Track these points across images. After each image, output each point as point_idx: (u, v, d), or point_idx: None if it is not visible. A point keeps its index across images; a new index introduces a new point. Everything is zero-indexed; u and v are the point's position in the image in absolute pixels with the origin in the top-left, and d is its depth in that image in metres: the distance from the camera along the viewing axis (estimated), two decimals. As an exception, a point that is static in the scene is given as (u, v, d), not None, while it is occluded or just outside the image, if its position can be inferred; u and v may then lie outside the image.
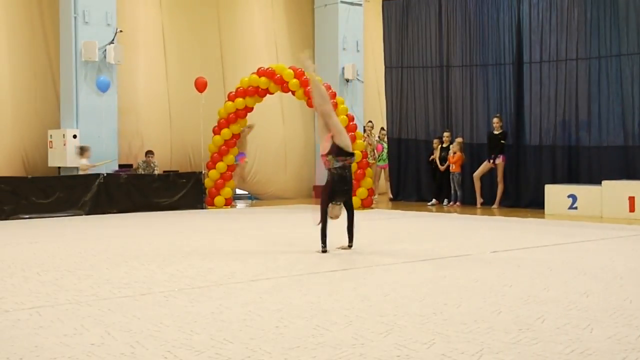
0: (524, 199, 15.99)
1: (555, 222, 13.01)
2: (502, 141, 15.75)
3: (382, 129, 18.85)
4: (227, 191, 16.86)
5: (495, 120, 15.84)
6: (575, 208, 14.16)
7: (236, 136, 16.78)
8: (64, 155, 15.43)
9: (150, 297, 5.96)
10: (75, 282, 6.64)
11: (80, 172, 15.20)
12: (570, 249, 9.21)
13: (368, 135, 17.74)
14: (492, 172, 16.04)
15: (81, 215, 14.35)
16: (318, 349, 4.31)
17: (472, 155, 16.68)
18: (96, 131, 15.72)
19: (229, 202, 16.95)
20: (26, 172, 15.97)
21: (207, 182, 16.64)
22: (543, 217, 13.93)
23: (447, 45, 17.59)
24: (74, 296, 5.97)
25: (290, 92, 16.14)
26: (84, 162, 15.31)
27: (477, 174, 16.12)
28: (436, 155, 17.04)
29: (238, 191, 19.09)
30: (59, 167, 15.91)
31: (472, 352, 4.22)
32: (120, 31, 16.05)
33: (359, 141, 15.64)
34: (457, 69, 17.41)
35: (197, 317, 5.17)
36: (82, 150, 15.38)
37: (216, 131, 16.70)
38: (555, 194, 14.57)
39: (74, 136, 15.44)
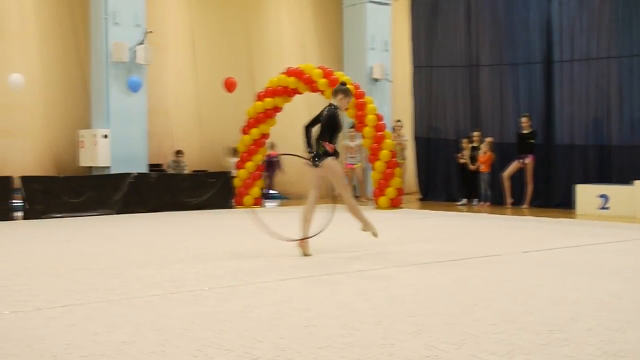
0: (554, 198, 15.86)
1: (586, 222, 12.88)
2: (531, 141, 15.62)
3: (399, 120, 18.77)
4: (255, 191, 16.90)
5: (523, 119, 15.72)
6: (607, 208, 14.01)
7: (265, 135, 16.80)
8: (95, 155, 15.58)
9: (179, 296, 6.00)
10: (106, 281, 6.70)
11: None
12: (602, 249, 9.12)
13: (398, 135, 17.68)
14: (521, 171, 15.93)
15: (111, 214, 14.48)
16: (347, 348, 4.30)
17: (501, 155, 16.57)
18: (126, 131, 15.85)
19: (258, 202, 17.00)
20: (57, 171, 16.14)
21: (236, 182, 16.70)
22: (574, 218, 13.79)
23: (476, 44, 17.49)
24: (104, 295, 6.03)
25: (318, 92, 16.14)
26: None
27: (506, 173, 16.01)
28: (466, 154, 16.94)
29: (267, 190, 19.12)
30: (90, 167, 16.06)
31: (502, 352, 4.20)
32: (150, 32, 16.17)
33: (387, 141, 15.61)
34: (486, 68, 17.30)
35: (227, 316, 5.19)
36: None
37: (245, 131, 16.75)
38: (586, 193, 14.42)
39: (105, 136, 15.58)
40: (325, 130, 8.57)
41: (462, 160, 17.12)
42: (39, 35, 16.20)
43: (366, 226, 8.76)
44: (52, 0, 16.40)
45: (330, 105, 8.75)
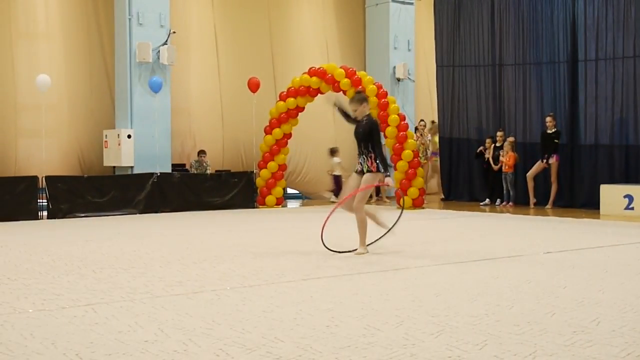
0: (578, 199, 15.73)
1: (611, 222, 12.77)
2: (556, 140, 15.51)
3: (422, 120, 18.72)
4: (278, 190, 16.94)
5: (548, 119, 15.61)
6: (632, 208, 13.87)
7: (287, 135, 16.83)
8: (118, 155, 15.69)
9: (202, 295, 6.02)
10: (129, 280, 6.74)
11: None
12: (627, 250, 9.03)
13: (421, 135, 17.63)
14: (545, 171, 15.82)
15: (135, 214, 14.58)
16: (369, 348, 4.30)
17: (525, 155, 16.47)
18: (150, 131, 15.93)
19: (280, 202, 17.03)
20: (82, 171, 16.27)
21: (259, 182, 16.74)
22: (598, 218, 13.68)
23: (499, 43, 17.39)
24: (128, 294, 6.07)
25: (341, 92, 16.13)
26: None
27: (530, 173, 15.91)
28: (489, 154, 16.86)
29: (289, 190, 19.17)
30: (114, 167, 16.17)
31: (525, 354, 4.17)
32: (174, 32, 16.24)
33: (410, 140, 15.57)
34: (509, 67, 17.21)
35: (249, 315, 5.21)
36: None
37: (268, 131, 16.78)
38: (611, 194, 14.29)
39: (129, 136, 15.68)
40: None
41: (480, 150, 16.99)
42: (64, 37, 16.33)
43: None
44: (78, 2, 16.53)
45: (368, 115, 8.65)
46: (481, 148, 17.06)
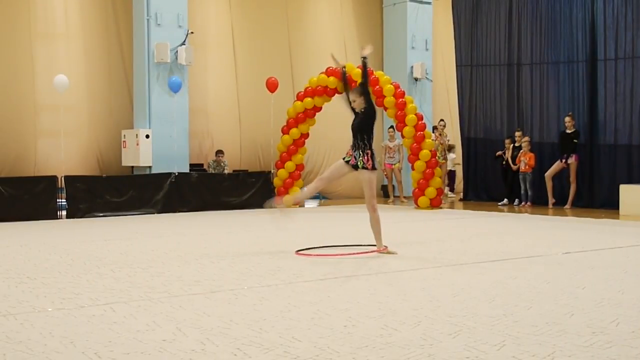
0: (597, 199, 15.64)
1: (630, 223, 12.67)
2: (575, 140, 15.42)
3: (442, 120, 18.66)
4: (295, 190, 16.93)
5: (567, 119, 15.53)
6: (652, 209, 13.78)
7: (305, 135, 16.84)
8: (137, 155, 15.76)
9: (220, 294, 6.04)
10: (147, 279, 6.77)
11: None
12: (646, 250, 8.97)
13: (440, 134, 17.57)
14: (564, 171, 15.73)
15: (153, 213, 14.64)
16: (386, 348, 4.29)
17: (543, 155, 16.39)
18: (168, 131, 16.01)
19: (298, 202, 17.02)
20: (101, 171, 16.37)
21: (276, 182, 16.77)
22: (617, 218, 13.58)
23: (517, 43, 17.32)
24: (146, 293, 6.09)
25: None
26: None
27: (548, 173, 15.83)
28: (508, 154, 16.78)
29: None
30: (132, 167, 16.25)
31: (543, 354, 4.15)
32: (192, 32, 16.30)
33: (428, 140, 15.54)
34: (527, 66, 17.14)
35: (266, 315, 5.21)
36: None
37: (285, 131, 16.80)
38: (630, 194, 14.19)
39: (147, 136, 15.75)
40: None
41: (499, 154, 16.94)
42: (83, 37, 16.43)
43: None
44: (96, 3, 16.63)
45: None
46: (500, 152, 16.99)
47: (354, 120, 8.52)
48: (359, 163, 8.37)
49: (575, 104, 16.12)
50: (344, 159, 8.50)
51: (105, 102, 16.72)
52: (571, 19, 16.27)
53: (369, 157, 8.34)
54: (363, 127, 8.40)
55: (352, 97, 8.48)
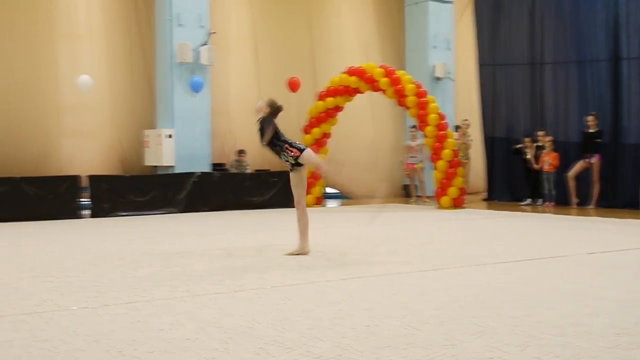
0: (621, 199, 15.49)
1: (655, 223, 12.56)
2: (598, 140, 15.29)
3: (466, 119, 18.56)
4: (317, 190, 16.96)
5: (590, 118, 15.40)
6: (677, 209, 13.63)
7: (326, 134, 16.84)
8: (159, 155, 15.84)
9: (242, 294, 6.06)
10: (170, 278, 6.80)
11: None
12: (671, 251, 8.88)
13: (463, 134, 17.45)
14: (587, 171, 15.60)
15: (175, 213, 14.71)
16: (409, 348, 4.29)
17: (566, 154, 16.27)
18: (190, 131, 16.06)
19: (319, 201, 17.05)
20: (123, 170, 16.46)
21: (298, 181, 16.75)
22: (642, 218, 13.47)
23: (540, 42, 17.21)
24: (169, 292, 6.12)
25: (380, 91, 16.11)
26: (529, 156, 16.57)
27: (571, 173, 15.71)
28: (531, 154, 16.67)
29: (328, 190, 19.18)
30: (155, 166, 16.34)
31: (567, 356, 4.13)
32: (213, 33, 16.35)
33: (450, 140, 15.49)
34: (550, 65, 17.02)
35: (289, 314, 5.22)
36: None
37: (306, 130, 16.82)
38: (655, 194, 14.05)
39: (169, 136, 15.82)
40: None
41: (519, 146, 16.82)
42: (105, 37, 16.54)
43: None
44: (119, 3, 16.74)
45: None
46: (520, 145, 16.88)
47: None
48: (290, 161, 8.46)
49: (598, 103, 15.98)
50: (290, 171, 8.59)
51: (128, 102, 16.81)
52: (594, 18, 16.13)
53: (289, 147, 8.42)
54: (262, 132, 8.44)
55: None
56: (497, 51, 18.10)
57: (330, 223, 12.91)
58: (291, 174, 8.65)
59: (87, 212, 14.05)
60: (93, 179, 14.22)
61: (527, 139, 16.77)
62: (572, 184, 15.75)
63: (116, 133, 16.63)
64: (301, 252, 8.43)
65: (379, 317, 5.11)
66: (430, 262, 7.76)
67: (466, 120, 18.12)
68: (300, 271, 7.21)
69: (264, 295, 5.99)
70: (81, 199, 14.04)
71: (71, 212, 13.72)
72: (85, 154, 16.16)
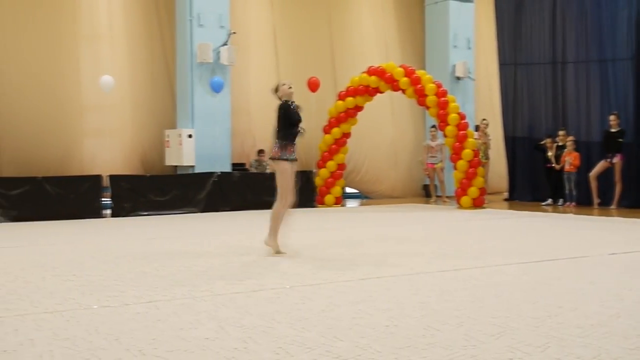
0: (643, 199, 15.36)
1: (678, 223, 12.44)
2: (620, 140, 15.17)
3: (484, 119, 18.45)
4: (337, 190, 16.95)
5: (612, 117, 15.27)
6: (700, 209, 13.49)
7: (346, 134, 16.83)
8: (180, 155, 15.90)
9: (262, 293, 6.06)
10: (190, 278, 6.83)
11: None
12: (695, 252, 8.79)
13: (483, 133, 17.36)
14: (609, 171, 15.48)
15: (195, 212, 14.76)
16: (429, 349, 4.27)
17: (588, 154, 16.15)
18: (210, 131, 16.12)
19: (339, 201, 17.05)
20: (144, 170, 16.54)
21: (318, 181, 16.79)
22: (665, 219, 13.35)
23: (561, 41, 17.10)
24: (189, 291, 6.15)
25: (400, 91, 16.07)
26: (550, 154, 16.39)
27: (593, 173, 15.60)
28: (552, 154, 16.57)
29: (348, 189, 19.17)
30: (176, 166, 16.40)
31: (588, 357, 4.09)
32: (234, 33, 16.39)
33: (470, 140, 15.43)
34: (572, 65, 16.91)
35: (308, 314, 5.22)
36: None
37: (326, 130, 16.82)
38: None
39: (190, 136, 15.88)
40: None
41: (544, 142, 16.70)
42: (127, 38, 16.63)
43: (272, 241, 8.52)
44: (140, 4, 16.82)
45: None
46: (544, 142, 16.77)
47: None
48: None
49: (621, 102, 15.85)
50: (288, 159, 8.53)
51: (149, 102, 16.89)
52: (616, 16, 16.00)
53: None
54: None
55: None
56: (518, 50, 18.01)
57: (350, 223, 12.91)
58: (293, 165, 8.61)
59: (108, 211, 14.13)
60: (114, 178, 14.31)
61: (548, 140, 16.67)
62: (594, 184, 15.64)
63: (137, 133, 16.71)
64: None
65: (398, 317, 5.10)
66: (451, 262, 7.73)
67: (485, 120, 18.02)
68: (319, 271, 7.21)
69: (283, 294, 6.00)
70: (102, 199, 14.13)
71: (93, 211, 13.80)
72: (107, 153, 16.25)
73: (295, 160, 8.63)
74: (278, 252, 8.43)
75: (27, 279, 6.83)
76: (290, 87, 8.72)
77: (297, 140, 8.69)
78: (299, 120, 8.60)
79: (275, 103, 8.92)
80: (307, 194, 16.33)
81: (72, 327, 4.88)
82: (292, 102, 8.68)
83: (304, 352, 4.22)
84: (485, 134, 17.47)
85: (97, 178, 14.15)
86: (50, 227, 12.26)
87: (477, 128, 17.61)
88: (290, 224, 8.81)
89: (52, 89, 15.65)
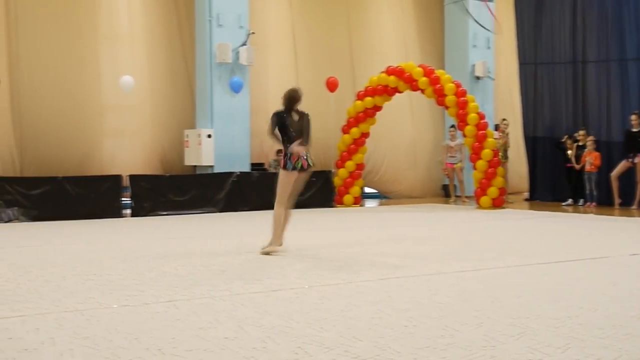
0: (665, 199, 15.21)
1: (700, 224, 12.32)
2: (640, 139, 15.05)
3: (504, 119, 18.32)
4: (355, 190, 16.93)
5: (633, 117, 15.14)
6: None
7: (365, 134, 16.81)
8: (199, 155, 15.94)
9: (281, 293, 6.07)
10: (209, 277, 6.85)
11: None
12: None
13: (504, 133, 17.22)
14: (630, 171, 15.35)
15: (214, 212, 14.80)
16: (448, 349, 4.26)
17: (609, 154, 16.02)
18: (230, 131, 16.14)
19: (358, 201, 17.03)
20: (164, 170, 16.59)
21: (336, 181, 16.78)
22: (687, 219, 13.22)
23: (582, 40, 16.98)
24: (208, 291, 6.16)
25: (419, 91, 16.03)
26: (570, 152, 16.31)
27: (614, 173, 15.47)
28: (572, 154, 16.45)
29: (367, 189, 19.14)
30: (195, 166, 16.45)
31: (609, 358, 4.07)
32: (253, 33, 16.42)
33: (489, 139, 15.36)
34: (592, 64, 16.78)
35: (327, 314, 5.22)
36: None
37: (345, 130, 16.81)
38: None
39: (209, 136, 15.92)
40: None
41: (563, 140, 16.59)
42: (146, 38, 16.69)
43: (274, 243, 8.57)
44: (160, 4, 16.88)
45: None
46: (564, 139, 16.66)
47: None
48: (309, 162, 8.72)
49: (642, 101, 15.73)
50: (292, 167, 8.65)
51: (168, 102, 16.94)
52: (638, 15, 15.87)
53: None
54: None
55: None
56: (538, 49, 17.90)
57: (368, 223, 12.89)
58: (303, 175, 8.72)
59: (128, 211, 14.20)
60: (134, 178, 14.38)
61: (568, 140, 16.56)
62: (615, 184, 15.51)
63: (156, 133, 16.77)
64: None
65: (417, 317, 5.09)
66: (470, 263, 7.70)
67: (505, 120, 17.90)
68: (338, 271, 7.21)
69: (302, 294, 6.00)
70: (122, 199, 14.20)
71: (112, 211, 13.87)
72: (127, 153, 16.32)
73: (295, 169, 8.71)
74: (273, 252, 8.46)
75: (48, 278, 6.88)
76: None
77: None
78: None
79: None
80: (326, 194, 16.34)
81: (93, 326, 4.91)
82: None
83: (322, 352, 4.22)
84: (505, 134, 17.35)
85: (117, 178, 14.22)
86: (70, 226, 12.33)
87: (496, 127, 17.48)
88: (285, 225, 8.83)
89: (72, 90, 15.74)
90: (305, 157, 8.68)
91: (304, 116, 8.76)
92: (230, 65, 16.16)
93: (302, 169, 8.71)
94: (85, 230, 11.72)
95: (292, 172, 8.67)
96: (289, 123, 8.70)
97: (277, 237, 8.64)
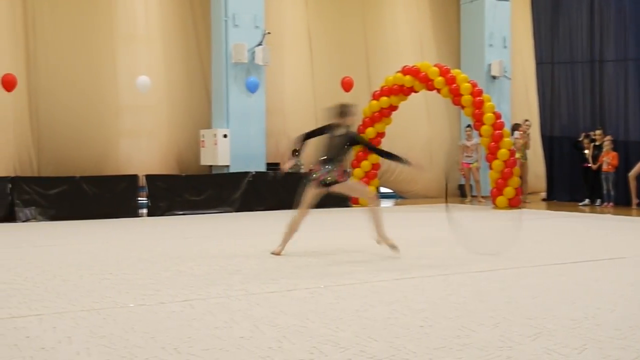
0: (683, 199, 15.10)
1: None
2: (659, 139, 14.94)
3: (527, 120, 18.21)
4: (371, 190, 16.88)
5: (651, 117, 15.06)
6: None
7: (381, 134, 16.79)
8: (215, 154, 15.98)
9: (296, 293, 6.08)
10: (225, 277, 6.86)
11: None
12: None
13: (525, 134, 17.07)
14: (648, 171, 15.25)
15: (230, 212, 14.83)
16: (464, 350, 4.25)
17: (626, 154, 15.91)
18: (245, 131, 16.18)
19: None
20: (180, 170, 16.65)
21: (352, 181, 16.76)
22: None
23: (599, 39, 16.87)
24: (224, 290, 6.18)
25: (435, 90, 15.99)
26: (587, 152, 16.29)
27: (632, 173, 15.36)
28: (589, 154, 16.35)
29: (382, 189, 19.11)
30: (211, 166, 16.50)
31: (626, 359, 4.04)
32: (268, 33, 16.44)
33: (506, 139, 15.30)
34: (610, 63, 16.68)
35: (342, 314, 5.22)
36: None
37: (361, 130, 16.78)
38: None
39: (225, 136, 15.96)
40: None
41: (580, 139, 16.48)
42: (163, 39, 16.76)
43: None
44: (175, 5, 16.95)
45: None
46: (581, 138, 16.55)
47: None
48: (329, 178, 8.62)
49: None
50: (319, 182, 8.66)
51: (184, 102, 17.00)
52: (656, 14, 15.77)
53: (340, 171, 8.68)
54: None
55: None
56: (555, 49, 17.81)
57: (384, 223, 12.85)
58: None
59: (144, 210, 14.26)
60: (150, 178, 14.43)
61: (585, 140, 16.45)
62: (633, 184, 15.40)
63: (173, 133, 16.84)
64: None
65: (433, 317, 5.08)
66: (486, 263, 7.67)
67: (528, 120, 17.76)
68: (353, 271, 7.20)
69: (317, 294, 6.00)
70: (139, 198, 14.26)
71: (129, 210, 13.93)
72: (143, 153, 16.39)
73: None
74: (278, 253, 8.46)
75: (65, 278, 6.92)
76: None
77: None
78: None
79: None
80: (342, 195, 16.28)
81: (109, 325, 4.93)
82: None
83: (338, 352, 4.22)
84: (527, 134, 17.21)
85: (134, 178, 14.28)
86: (87, 226, 12.39)
87: (516, 127, 17.29)
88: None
89: (89, 90, 15.83)
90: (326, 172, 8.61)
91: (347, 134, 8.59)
92: (246, 65, 16.20)
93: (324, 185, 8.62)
94: (102, 230, 11.77)
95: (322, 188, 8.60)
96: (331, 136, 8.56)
97: (285, 240, 8.61)
